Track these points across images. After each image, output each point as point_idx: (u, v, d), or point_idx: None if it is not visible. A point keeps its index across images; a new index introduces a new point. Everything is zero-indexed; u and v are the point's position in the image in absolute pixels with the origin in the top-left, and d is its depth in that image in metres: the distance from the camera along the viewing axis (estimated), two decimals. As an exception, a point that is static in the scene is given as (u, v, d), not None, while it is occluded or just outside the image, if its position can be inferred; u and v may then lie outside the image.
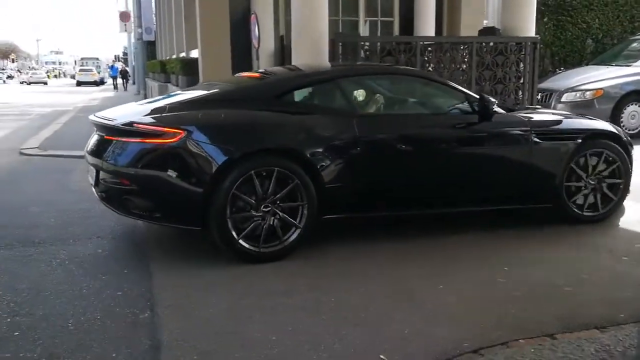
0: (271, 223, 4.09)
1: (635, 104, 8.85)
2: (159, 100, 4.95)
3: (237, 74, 6.39)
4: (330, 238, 4.56)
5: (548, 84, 9.66)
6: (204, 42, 10.92)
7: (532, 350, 2.85)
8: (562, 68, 11.02)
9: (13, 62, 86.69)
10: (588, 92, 8.99)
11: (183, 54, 16.63)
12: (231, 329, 3.10)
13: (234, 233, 4.01)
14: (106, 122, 4.33)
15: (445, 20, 11.80)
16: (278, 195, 4.08)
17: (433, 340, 2.99)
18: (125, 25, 24.60)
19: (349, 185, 4.32)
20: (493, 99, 4.81)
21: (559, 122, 5.26)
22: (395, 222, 4.95)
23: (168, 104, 4.42)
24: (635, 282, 3.78)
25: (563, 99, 9.17)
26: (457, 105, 4.87)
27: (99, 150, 4.30)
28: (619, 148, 5.10)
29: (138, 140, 4.06)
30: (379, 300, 3.48)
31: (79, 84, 46.69)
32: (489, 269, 4.01)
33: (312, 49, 7.18)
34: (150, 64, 22.41)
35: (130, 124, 4.12)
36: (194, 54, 13.38)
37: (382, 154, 4.49)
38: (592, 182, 5.04)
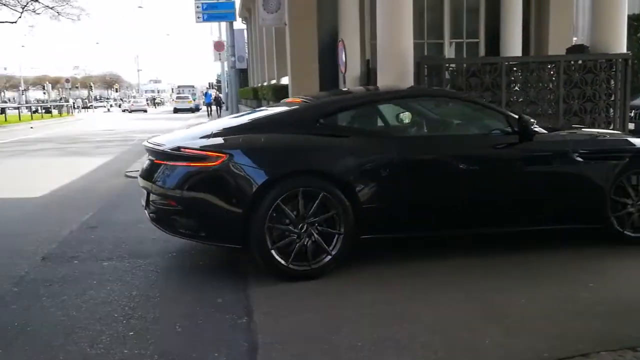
0: (308, 243, 4.22)
1: None
2: (208, 125, 5.26)
3: (284, 100, 6.67)
4: (409, 253, 4.73)
5: (642, 100, 9.39)
6: (294, 69, 11.41)
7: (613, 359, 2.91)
8: (657, 84, 10.64)
9: (117, 91, 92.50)
10: (685, 108, 8.68)
11: (274, 81, 17.32)
12: (321, 335, 3.34)
13: (273, 252, 4.17)
14: (156, 147, 4.60)
15: (533, 38, 11.70)
16: (314, 214, 4.21)
17: (512, 351, 3.10)
18: (219, 54, 25.85)
19: (388, 207, 4.42)
20: (532, 119, 4.80)
21: (603, 141, 5.15)
22: (463, 238, 5.02)
23: (213, 130, 4.67)
24: None
25: (658, 115, 8.89)
26: (497, 126, 4.86)
27: (149, 174, 4.59)
28: None
29: (184, 163, 4.33)
30: (459, 312, 3.62)
31: (176, 111, 48.96)
32: (571, 284, 4.04)
33: (398, 72, 7.43)
34: (243, 90, 23.43)
35: (178, 148, 4.40)
36: (284, 80, 13.94)
37: (421, 176, 4.56)
38: (639, 203, 4.90)
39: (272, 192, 4.15)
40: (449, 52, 12.23)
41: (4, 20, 34.48)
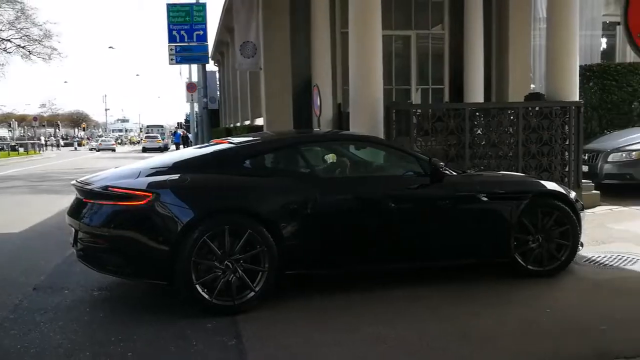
0: (232, 279, 4.38)
1: (682, 163, 9.13)
2: (137, 165, 5.38)
3: (212, 140, 6.90)
4: (384, 282, 5.10)
5: (595, 144, 10.04)
6: (269, 110, 11.85)
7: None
8: (609, 130, 11.36)
9: (84, 130, 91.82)
10: (634, 153, 9.32)
11: (248, 122, 17.76)
12: (305, 357, 3.66)
13: (198, 288, 4.31)
14: (84, 186, 4.75)
15: (494, 86, 12.40)
16: (239, 251, 4.40)
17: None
18: (191, 95, 26.28)
19: (310, 243, 4.66)
20: (442, 162, 5.25)
21: (506, 183, 5.61)
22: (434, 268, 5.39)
23: (142, 169, 4.87)
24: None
25: (609, 159, 9.52)
26: (411, 168, 5.22)
27: (77, 212, 4.72)
28: (566, 207, 5.32)
29: (111, 202, 4.49)
30: (433, 334, 3.99)
31: (145, 150, 48.95)
32: (533, 309, 4.46)
33: (368, 116, 7.91)
34: (216, 130, 23.79)
35: (106, 187, 4.57)
36: (259, 121, 14.37)
37: (341, 214, 4.84)
38: (540, 239, 5.25)
39: (198, 230, 4.31)
40: (416, 97, 12.84)
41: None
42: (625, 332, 3.95)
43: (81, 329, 4.19)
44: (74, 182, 5.01)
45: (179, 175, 4.71)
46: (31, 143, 47.85)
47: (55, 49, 36.09)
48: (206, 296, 4.34)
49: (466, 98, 11.93)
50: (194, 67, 25.03)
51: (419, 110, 8.46)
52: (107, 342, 3.90)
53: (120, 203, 4.48)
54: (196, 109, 28.40)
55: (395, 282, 5.14)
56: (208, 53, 20.67)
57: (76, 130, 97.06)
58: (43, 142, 53.35)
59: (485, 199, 5.18)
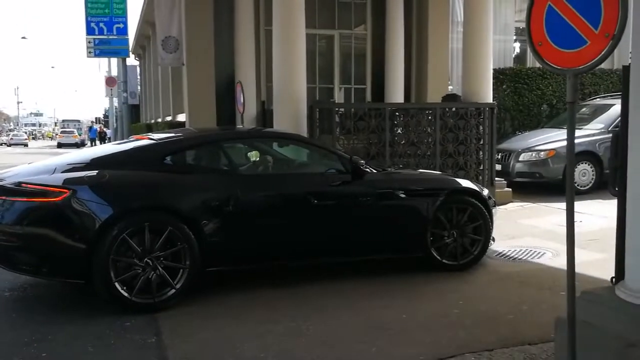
0: (149, 277, 4.34)
1: (585, 163, 9.71)
2: (52, 160, 5.30)
3: (131, 137, 6.92)
4: (303, 277, 5.20)
5: (507, 144, 10.55)
6: (191, 107, 11.69)
7: (473, 358, 3.51)
8: (520, 130, 11.96)
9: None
10: (542, 152, 9.86)
11: (169, 118, 17.44)
12: (226, 350, 3.69)
13: (117, 286, 4.24)
14: None
15: (414, 86, 12.77)
16: (159, 248, 4.37)
17: (394, 355, 3.62)
18: (111, 89, 25.52)
19: (232, 240, 4.68)
20: (362, 160, 5.43)
21: (423, 180, 5.88)
22: (353, 263, 5.51)
23: (58, 165, 4.75)
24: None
25: (520, 158, 10.03)
26: (333, 166, 5.34)
27: None
28: (479, 204, 5.56)
29: (25, 199, 4.35)
30: (350, 327, 4.11)
31: (60, 145, 47.02)
32: (444, 302, 4.66)
33: (292, 114, 7.98)
34: (136, 126, 23.22)
35: (19, 184, 4.42)
36: (181, 117, 14.15)
37: (262, 211, 4.89)
38: (454, 234, 5.47)
39: (117, 228, 4.25)
40: (339, 96, 13.03)
41: None
42: (531, 321, 4.20)
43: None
44: None
45: (97, 171, 4.60)
46: None
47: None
48: (125, 294, 4.28)
49: (387, 98, 12.24)
50: (114, 60, 24.31)
51: (342, 109, 8.63)
52: (20, 343, 3.79)
53: (35, 200, 4.35)
54: (116, 103, 27.62)
55: (314, 278, 5.23)
56: (129, 47, 20.13)
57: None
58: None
59: (403, 195, 5.36)
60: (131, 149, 5.22)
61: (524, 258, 6.05)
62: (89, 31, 18.00)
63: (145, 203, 4.51)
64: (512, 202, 9.32)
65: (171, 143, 5.22)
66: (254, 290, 4.91)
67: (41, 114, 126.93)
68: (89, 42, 18.60)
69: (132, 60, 28.89)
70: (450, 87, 13.10)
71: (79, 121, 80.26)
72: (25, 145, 53.15)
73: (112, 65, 29.76)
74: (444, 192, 5.51)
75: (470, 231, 5.56)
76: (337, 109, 8.54)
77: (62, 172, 4.60)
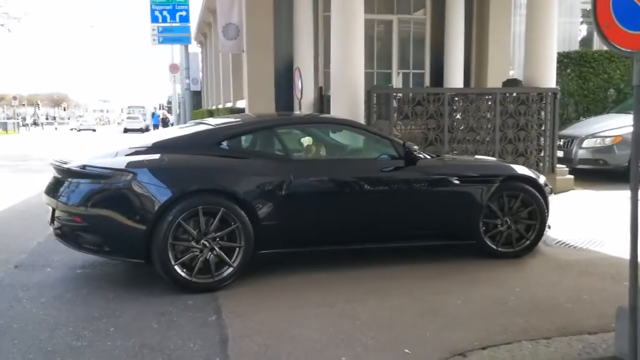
0: (209, 257, 4.50)
1: (654, 149, 9.36)
2: (115, 144, 5.50)
3: (191, 121, 7.01)
4: (358, 261, 5.25)
5: (570, 130, 10.25)
6: (251, 93, 11.88)
7: (530, 346, 3.48)
8: (584, 116, 11.59)
9: (64, 110, 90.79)
10: (607, 139, 9.55)
11: (230, 104, 17.75)
12: (283, 330, 3.79)
13: (176, 267, 4.42)
14: (62, 165, 4.79)
15: (474, 71, 12.55)
16: (214, 230, 4.51)
17: (449, 340, 3.63)
18: (174, 76, 26.12)
19: (284, 224, 4.77)
20: (416, 146, 5.39)
21: (478, 167, 5.77)
22: (406, 248, 5.52)
23: (120, 149, 4.92)
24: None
25: (584, 144, 9.75)
26: (386, 152, 5.35)
27: (54, 191, 4.78)
28: (534, 191, 5.49)
29: (88, 181, 4.57)
30: (405, 311, 4.15)
31: (126, 130, 48.56)
32: (501, 289, 4.63)
33: (349, 99, 8.00)
34: (198, 112, 23.73)
35: (83, 166, 4.62)
36: (241, 103, 14.39)
37: (314, 196, 4.96)
38: (508, 222, 5.44)
39: (175, 210, 4.41)
40: (397, 81, 12.95)
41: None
42: (591, 311, 4.13)
43: (64, 306, 4.27)
44: (51, 160, 5.05)
45: (156, 155, 4.76)
46: (13, 122, 47.26)
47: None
48: (185, 275, 4.45)
49: (446, 83, 12.08)
50: (177, 47, 24.88)
51: (400, 94, 8.58)
52: (90, 318, 4.00)
53: (98, 182, 4.54)
54: (179, 90, 28.26)
55: (368, 262, 5.29)
56: (190, 34, 20.58)
57: (56, 110, 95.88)
58: (30, 121, 52.72)
59: (457, 182, 5.33)
60: (189, 134, 5.35)
61: (585, 247, 5.92)
62: (153, 19, 18.51)
63: (201, 186, 4.60)
64: (573, 189, 9.09)
65: (227, 128, 5.32)
66: (309, 273, 5.01)
67: (108, 101, 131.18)
68: (153, 30, 19.14)
69: (194, 48, 29.52)
70: (511, 72, 12.80)
71: (143, 107, 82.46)
72: (94, 130, 55.11)
73: (175, 52, 30.47)
74: (499, 178, 5.44)
75: (524, 218, 5.49)
76: (395, 93, 8.49)
77: (124, 155, 4.78)
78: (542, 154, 8.84)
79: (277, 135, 5.28)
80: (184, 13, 18.60)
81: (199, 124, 5.74)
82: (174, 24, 19.11)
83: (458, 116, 8.68)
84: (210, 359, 3.37)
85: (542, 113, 8.77)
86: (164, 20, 18.59)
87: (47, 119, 75.54)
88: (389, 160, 5.30)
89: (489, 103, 8.65)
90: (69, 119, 78.77)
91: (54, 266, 5.29)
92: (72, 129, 58.11)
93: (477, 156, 7.14)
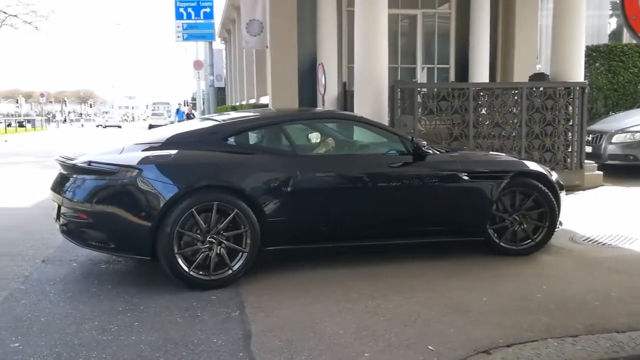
0: (218, 252, 4.48)
1: (684, 145, 9.16)
2: (120, 140, 5.47)
3: (199, 117, 7.00)
4: (378, 257, 5.23)
5: (599, 125, 10.07)
6: (274, 89, 11.89)
7: (556, 344, 3.42)
8: (614, 111, 11.37)
9: (90, 107, 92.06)
10: (638, 134, 9.36)
11: (253, 100, 17.80)
12: (306, 325, 3.78)
13: (180, 263, 4.41)
14: (67, 161, 4.76)
15: (499, 66, 12.40)
16: (222, 227, 4.49)
17: (473, 337, 3.59)
18: (198, 72, 26.31)
19: (291, 220, 4.73)
20: (424, 141, 5.32)
21: (487, 162, 5.66)
22: (427, 245, 5.46)
23: (125, 145, 4.89)
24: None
25: (613, 140, 9.56)
26: (394, 147, 5.30)
27: (60, 187, 4.77)
28: (544, 188, 5.40)
29: (94, 177, 4.55)
30: (429, 307, 4.11)
31: (151, 127, 48.98)
32: (527, 286, 4.56)
33: (373, 95, 7.97)
34: (222, 108, 23.86)
35: (89, 163, 4.59)
36: (264, 100, 14.42)
37: (321, 192, 4.90)
38: (517, 219, 5.37)
39: (180, 206, 4.38)
40: (421, 76, 12.85)
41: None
42: (619, 309, 4.05)
43: (89, 300, 4.32)
44: (57, 157, 5.03)
45: (162, 151, 4.71)
46: (39, 119, 48.07)
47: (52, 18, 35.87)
48: (190, 271, 4.44)
49: (471, 78, 11.96)
50: (201, 44, 25.03)
51: (424, 89, 8.53)
52: (115, 312, 4.04)
53: (103, 178, 4.54)
54: (203, 87, 28.44)
55: (390, 258, 5.27)
56: (214, 31, 20.69)
57: (83, 106, 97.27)
58: (59, 118, 53.61)
59: (466, 177, 5.25)
60: (196, 130, 5.30)
61: (614, 244, 5.81)
62: (178, 16, 18.66)
63: (208, 182, 4.57)
64: (602, 185, 8.93)
65: (233, 124, 5.29)
66: (330, 269, 4.99)
67: (133, 97, 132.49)
68: (178, 27, 19.30)
69: (218, 44, 29.67)
70: (538, 66, 12.64)
71: (168, 104, 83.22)
72: (119, 127, 55.83)
73: (199, 49, 30.66)
74: (509, 174, 5.36)
75: (534, 216, 5.41)
76: (419, 88, 8.44)
77: (130, 151, 4.76)
78: (569, 150, 8.71)
79: (283, 131, 5.23)
80: (208, 10, 18.74)
81: (206, 119, 5.71)
82: (198, 21, 19.26)
83: (483, 111, 8.60)
84: (234, 354, 3.38)
85: (570, 108, 8.64)
86: (189, 17, 18.75)
87: (75, 115, 76.70)
88: (397, 156, 5.24)
89: (515, 98, 8.55)
90: (95, 115, 79.85)
91: (80, 261, 5.36)
92: (98, 126, 58.93)
93: (485, 152, 7.02)
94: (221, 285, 4.51)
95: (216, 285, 4.49)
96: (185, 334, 3.66)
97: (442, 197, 5.24)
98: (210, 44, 20.89)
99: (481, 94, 8.60)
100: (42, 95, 59.97)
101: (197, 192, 4.49)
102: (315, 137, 5.71)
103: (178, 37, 19.49)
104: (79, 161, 4.70)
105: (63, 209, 4.73)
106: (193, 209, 4.42)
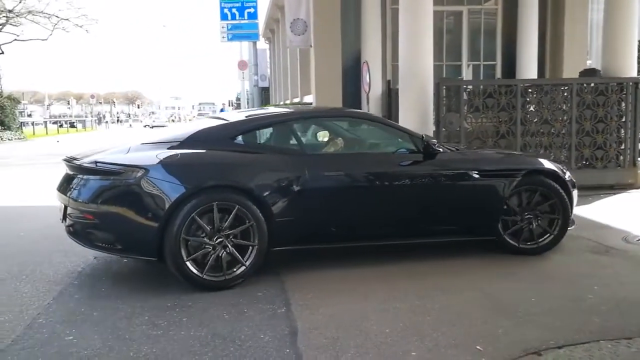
0: (223, 254, 4.43)
1: None
2: (126, 140, 5.38)
3: (207, 115, 6.95)
4: (418, 255, 5.19)
5: (654, 121, 9.72)
6: (318, 88, 11.93)
7: (609, 346, 3.33)
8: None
9: (138, 107, 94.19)
10: (695, 130, 9.00)
11: (297, 99, 17.89)
12: (352, 323, 3.78)
13: (188, 264, 4.34)
14: (73, 161, 4.73)
15: (548, 61, 12.14)
16: (229, 227, 4.44)
17: (522, 338, 3.52)
18: (242, 73, 26.55)
19: (299, 220, 4.67)
20: (434, 139, 5.20)
21: (498, 160, 5.54)
22: (470, 243, 5.42)
23: (131, 145, 4.85)
24: None
25: (669, 136, 9.22)
26: (404, 145, 5.23)
27: (66, 188, 4.71)
28: (557, 186, 5.28)
29: (99, 178, 4.49)
30: (476, 307, 4.06)
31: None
32: (578, 287, 4.45)
33: (418, 92, 7.91)
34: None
35: (95, 163, 4.54)
36: (308, 98, 14.47)
37: (330, 191, 4.83)
38: (529, 216, 5.27)
39: (187, 206, 4.32)
40: (467, 73, 12.68)
41: (35, 38, 35.59)
42: (675, 311, 3.91)
43: (139, 296, 4.40)
44: (63, 157, 5.00)
45: (168, 151, 4.66)
46: (89, 120, 49.44)
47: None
48: (197, 272, 4.40)
49: (519, 74, 11.75)
50: (245, 44, 25.27)
51: (470, 87, 8.42)
52: (164, 307, 4.12)
53: (109, 178, 4.49)
54: (247, 87, 28.71)
55: (428, 256, 5.25)
56: (259, 30, 20.84)
57: (130, 107, 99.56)
58: (111, 119, 55.04)
59: (477, 176, 5.16)
60: (203, 129, 5.18)
61: (670, 244, 5.61)
62: (223, 16, 18.86)
63: (215, 182, 4.52)
64: (657, 183, 8.63)
65: (241, 123, 5.17)
66: (376, 266, 4.99)
67: (179, 98, 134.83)
68: (223, 28, 19.50)
69: (262, 44, 29.91)
70: (589, 62, 12.31)
71: (213, 104, 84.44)
72: (165, 127, 56.86)
73: (243, 49, 30.99)
74: (521, 172, 5.25)
75: (547, 214, 5.30)
76: (465, 86, 8.33)
77: (136, 151, 4.74)
78: (622, 147, 8.46)
79: (291, 130, 5.18)
80: (252, 10, 18.86)
81: (215, 118, 5.66)
82: (242, 21, 19.41)
83: (531, 108, 8.43)
84: (280, 350, 3.40)
85: (623, 104, 8.39)
86: (233, 17, 18.92)
87: (124, 116, 78.65)
88: (407, 154, 5.17)
89: (565, 94, 8.36)
90: (142, 116, 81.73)
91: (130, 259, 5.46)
92: (145, 126, 60.20)
93: (498, 149, 6.89)
94: (232, 284, 4.47)
95: (230, 285, 4.46)
96: (232, 329, 3.71)
97: (452, 196, 5.16)
98: (254, 43, 21.02)
99: (529, 90, 8.43)
100: (92, 96, 61.69)
101: (204, 192, 4.42)
102: (323, 135, 5.64)
103: (223, 37, 19.67)
104: (85, 161, 4.68)
105: (69, 210, 4.69)
106: (200, 209, 4.36)
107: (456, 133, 8.11)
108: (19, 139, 30.40)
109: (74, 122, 47.98)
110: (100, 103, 79.76)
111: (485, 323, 3.77)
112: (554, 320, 3.78)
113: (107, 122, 52.64)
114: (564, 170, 5.56)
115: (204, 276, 4.40)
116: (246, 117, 5.35)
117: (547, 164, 5.51)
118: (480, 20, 12.76)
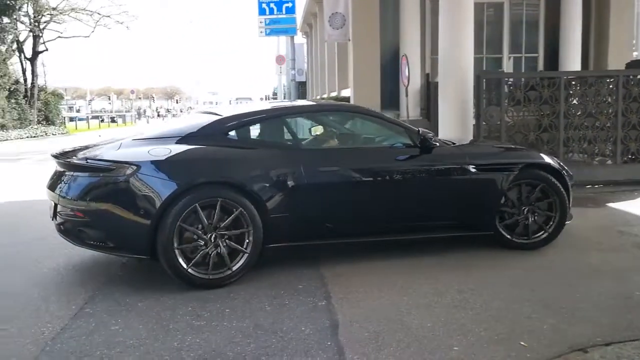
0: (218, 251, 4.33)
1: None
2: (118, 137, 5.32)
3: (198, 110, 6.85)
4: (459, 249, 5.13)
5: None
6: (357, 81, 11.89)
7: (658, 344, 3.24)
8: None
9: (177, 102, 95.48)
10: None
11: (334, 93, 17.88)
12: (393, 317, 3.77)
13: (181, 261, 4.24)
14: (63, 158, 4.66)
15: (592, 53, 11.85)
16: (224, 225, 4.35)
17: (568, 334, 3.46)
18: (280, 67, 26.66)
19: (294, 216, 4.57)
20: (431, 133, 5.08)
21: (496, 154, 5.43)
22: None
23: (123, 141, 4.77)
24: None
25: None
26: (400, 140, 5.14)
27: (56, 185, 4.63)
28: (555, 180, 5.18)
29: (91, 175, 4.39)
30: (519, 302, 4.00)
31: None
32: (627, 283, 4.35)
33: (458, 86, 7.81)
34: (300, 102, 24.16)
35: (85, 159, 4.47)
36: (345, 92, 14.45)
37: (322, 187, 4.72)
38: (526, 212, 5.16)
39: (180, 203, 4.22)
40: (508, 66, 12.47)
41: (78, 35, 36.37)
42: None
43: (181, 287, 4.42)
44: (53, 153, 4.91)
45: (160, 147, 4.57)
46: (129, 114, 50.36)
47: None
48: (191, 271, 4.31)
49: (561, 66, 11.51)
50: (282, 39, 25.37)
51: (511, 79, 8.29)
52: (206, 299, 4.17)
53: (100, 175, 4.40)
54: (284, 81, 28.81)
55: (472, 249, 5.21)
56: (296, 25, 20.88)
57: (169, 102, 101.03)
58: (152, 114, 55.90)
59: (474, 170, 5.07)
60: (196, 124, 5.06)
61: None
62: (261, 11, 18.96)
63: (208, 178, 4.44)
64: None
65: (234, 118, 5.05)
66: (418, 259, 4.99)
67: (217, 93, 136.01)
68: (261, 22, 19.60)
69: (299, 39, 29.98)
70: (635, 53, 11.98)
71: (250, 99, 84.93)
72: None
73: (280, 43, 31.09)
74: (518, 167, 5.14)
75: (544, 208, 5.21)
76: (506, 78, 8.20)
77: (128, 147, 4.67)
78: (670, 140, 8.20)
79: (285, 125, 5.11)
80: (290, 4, 18.90)
81: (208, 113, 5.52)
82: (280, 16, 19.47)
83: (575, 101, 8.25)
84: (322, 343, 3.41)
85: (672, 96, 8.13)
86: (271, 12, 19.00)
87: (164, 110, 79.93)
88: (404, 149, 5.09)
89: (611, 86, 8.16)
90: (181, 111, 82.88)
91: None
92: (181, 120, 60.88)
93: (493, 143, 6.74)
94: (228, 282, 4.40)
95: (225, 283, 4.39)
96: (274, 321, 3.74)
97: (449, 190, 5.08)
98: (292, 38, 21.08)
99: (573, 83, 8.25)
100: (132, 92, 62.81)
101: (197, 189, 4.33)
102: (318, 130, 5.58)
103: (261, 32, 19.78)
104: (75, 158, 4.62)
105: (59, 208, 4.61)
106: (193, 206, 4.27)
107: (497, 127, 8.00)
108: (62, 133, 31.13)
109: (114, 117, 48.94)
110: (140, 98, 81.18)
111: (529, 319, 3.71)
112: (601, 316, 3.71)
113: (147, 116, 53.52)
114: (563, 165, 5.48)
115: (194, 272, 4.32)
116: (239, 112, 5.30)
117: (546, 159, 5.44)
118: (522, 11, 12.54)
